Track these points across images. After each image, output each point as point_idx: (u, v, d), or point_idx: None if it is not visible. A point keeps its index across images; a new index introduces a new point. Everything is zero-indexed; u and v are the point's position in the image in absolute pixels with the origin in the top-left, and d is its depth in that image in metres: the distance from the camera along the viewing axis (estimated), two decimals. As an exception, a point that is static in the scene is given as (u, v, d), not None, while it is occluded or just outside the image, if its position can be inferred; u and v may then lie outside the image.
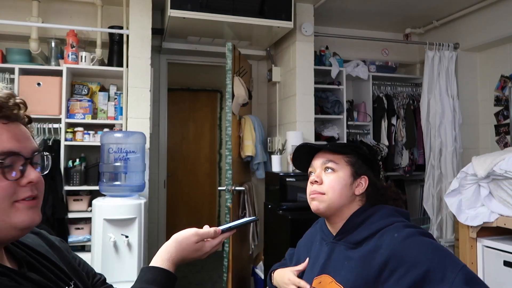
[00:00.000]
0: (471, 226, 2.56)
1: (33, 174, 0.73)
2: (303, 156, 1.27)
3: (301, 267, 1.26)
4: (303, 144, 1.26)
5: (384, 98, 3.97)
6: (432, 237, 1.09)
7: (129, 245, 2.53)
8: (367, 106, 4.00)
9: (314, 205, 1.19)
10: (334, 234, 1.19)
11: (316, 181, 1.18)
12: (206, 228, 0.96)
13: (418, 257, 0.99)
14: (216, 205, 5.81)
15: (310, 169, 1.24)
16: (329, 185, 1.16)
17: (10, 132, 0.73)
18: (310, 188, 1.21)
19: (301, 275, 1.27)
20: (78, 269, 0.92)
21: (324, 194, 1.16)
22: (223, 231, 0.98)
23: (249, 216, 3.30)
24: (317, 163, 1.21)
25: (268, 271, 1.44)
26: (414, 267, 0.98)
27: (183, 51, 3.77)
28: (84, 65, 3.09)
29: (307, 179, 1.25)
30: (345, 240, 1.15)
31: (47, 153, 0.79)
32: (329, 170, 1.18)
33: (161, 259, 0.89)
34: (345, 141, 3.71)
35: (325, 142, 3.70)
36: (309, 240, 1.32)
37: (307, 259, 1.26)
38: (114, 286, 1.04)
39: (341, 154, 1.20)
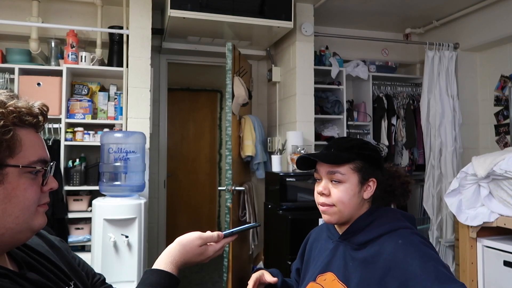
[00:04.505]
0: (471, 226, 2.56)
1: (54, 182, 0.79)
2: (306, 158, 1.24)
3: (270, 280, 1.25)
4: (302, 156, 1.20)
5: (384, 98, 3.97)
6: (434, 249, 1.10)
7: (129, 245, 2.53)
8: (367, 106, 4.00)
9: (325, 218, 1.17)
10: (340, 233, 1.20)
11: (323, 193, 1.15)
12: (209, 233, 0.97)
13: (419, 270, 1.00)
14: (216, 205, 5.81)
15: (316, 174, 1.20)
16: (337, 198, 1.13)
17: (41, 141, 0.78)
18: (318, 198, 1.18)
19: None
20: (78, 269, 0.92)
21: (333, 206, 1.14)
22: (225, 236, 0.99)
23: (250, 217, 3.31)
24: (323, 171, 1.17)
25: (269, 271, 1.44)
26: (413, 280, 1.00)
27: (183, 51, 3.77)
28: (84, 65, 3.09)
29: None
30: (350, 240, 1.16)
31: (54, 162, 0.83)
32: (336, 181, 1.14)
33: (165, 262, 0.89)
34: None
35: (326, 142, 3.70)
36: (316, 237, 1.33)
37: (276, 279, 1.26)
38: (113, 286, 1.04)
39: (347, 163, 1.15)
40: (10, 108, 0.72)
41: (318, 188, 1.17)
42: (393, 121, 3.97)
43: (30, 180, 0.74)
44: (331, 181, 1.15)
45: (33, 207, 0.75)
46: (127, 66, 3.07)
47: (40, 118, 0.77)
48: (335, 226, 1.23)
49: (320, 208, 1.18)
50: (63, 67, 3.02)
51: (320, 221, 2.52)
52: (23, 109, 0.73)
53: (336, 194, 1.14)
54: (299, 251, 1.38)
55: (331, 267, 1.15)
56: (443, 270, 1.01)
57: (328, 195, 1.15)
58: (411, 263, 1.02)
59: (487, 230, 2.55)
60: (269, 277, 1.25)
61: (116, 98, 3.17)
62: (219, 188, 4.15)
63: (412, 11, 3.74)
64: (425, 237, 1.13)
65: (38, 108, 0.77)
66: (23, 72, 3.01)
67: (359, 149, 1.16)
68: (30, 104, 0.76)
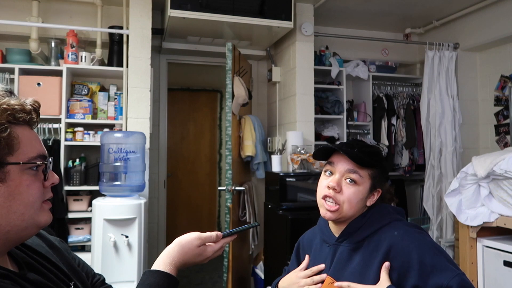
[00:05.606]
0: (471, 226, 2.56)
1: (55, 176, 0.80)
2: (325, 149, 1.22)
3: (303, 264, 1.24)
4: (329, 147, 1.18)
5: (384, 98, 3.97)
6: (428, 235, 1.13)
7: (129, 245, 2.53)
8: (367, 106, 4.00)
9: (325, 213, 1.16)
10: (337, 236, 1.19)
11: (335, 188, 1.13)
12: (208, 233, 0.97)
13: (416, 263, 1.03)
14: (216, 205, 5.81)
15: (329, 167, 1.18)
16: (347, 197, 1.13)
17: (37, 137, 0.78)
18: (325, 191, 1.15)
19: None
20: (77, 269, 0.92)
21: (339, 205, 1.13)
22: (224, 236, 0.99)
23: (250, 217, 3.31)
24: (340, 167, 1.15)
25: (268, 271, 1.44)
26: (413, 267, 1.03)
27: (183, 51, 3.77)
28: (84, 65, 3.09)
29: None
30: (347, 241, 1.16)
31: (52, 157, 0.83)
32: (351, 181, 1.13)
33: (164, 262, 0.89)
34: (345, 140, 3.70)
35: (326, 142, 3.70)
36: (308, 243, 1.32)
37: (307, 256, 1.26)
38: (113, 286, 1.04)
39: (368, 167, 1.15)
40: (4, 106, 0.72)
41: (330, 182, 1.15)
42: (393, 121, 3.97)
43: (32, 176, 0.75)
44: (345, 179, 1.14)
45: (38, 203, 0.75)
46: (127, 66, 3.07)
47: (33, 114, 0.78)
48: (330, 227, 1.23)
49: (324, 202, 1.15)
50: (63, 67, 3.02)
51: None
52: (16, 107, 0.74)
53: (347, 193, 1.13)
54: (292, 256, 1.37)
55: (330, 271, 1.15)
56: (438, 258, 1.04)
57: (339, 191, 1.14)
58: (408, 254, 1.04)
59: (487, 230, 2.55)
60: None
61: (116, 98, 3.17)
62: (219, 188, 4.15)
63: (412, 11, 3.74)
64: (417, 225, 1.16)
65: (30, 105, 0.78)
66: (23, 72, 3.01)
67: (379, 158, 1.18)
68: (22, 101, 0.76)
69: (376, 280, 1.05)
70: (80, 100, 3.09)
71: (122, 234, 2.52)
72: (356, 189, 1.13)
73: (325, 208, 1.15)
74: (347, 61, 3.97)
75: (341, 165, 1.15)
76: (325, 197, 1.15)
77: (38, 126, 2.91)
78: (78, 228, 2.97)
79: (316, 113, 3.58)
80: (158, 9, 3.41)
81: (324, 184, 1.16)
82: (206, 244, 0.95)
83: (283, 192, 2.85)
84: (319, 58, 3.81)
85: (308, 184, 2.90)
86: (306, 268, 1.23)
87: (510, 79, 3.57)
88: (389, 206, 1.21)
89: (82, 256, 1.02)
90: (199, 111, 5.78)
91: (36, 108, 0.79)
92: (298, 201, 2.87)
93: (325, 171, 1.19)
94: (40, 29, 3.12)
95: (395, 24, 4.07)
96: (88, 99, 3.13)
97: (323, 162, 1.22)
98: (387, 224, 1.13)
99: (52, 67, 3.07)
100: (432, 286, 1.00)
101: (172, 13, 2.92)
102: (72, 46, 3.05)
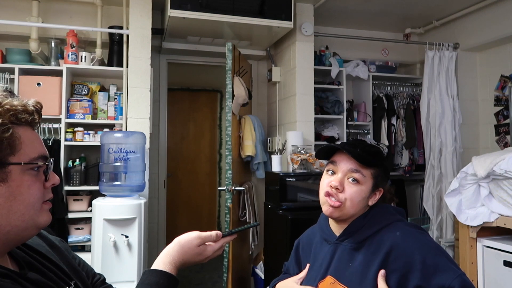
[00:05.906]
0: (471, 226, 2.56)
1: (55, 177, 0.80)
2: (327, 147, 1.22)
3: (303, 274, 1.24)
4: (332, 146, 1.18)
5: (384, 98, 3.97)
6: (429, 235, 1.14)
7: (129, 245, 2.53)
8: (367, 106, 4.00)
9: (327, 210, 1.16)
10: (337, 235, 1.19)
11: (338, 188, 1.14)
12: (208, 232, 0.97)
13: (418, 264, 1.03)
14: (216, 205, 5.81)
15: (331, 166, 1.18)
16: (349, 196, 1.13)
17: (38, 137, 0.79)
18: (328, 189, 1.16)
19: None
20: (78, 269, 0.92)
21: (341, 203, 1.13)
22: (224, 235, 0.99)
23: (250, 217, 3.31)
24: (343, 167, 1.15)
25: (268, 271, 1.44)
26: (415, 268, 1.03)
27: (183, 51, 3.77)
28: (84, 65, 3.09)
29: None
30: (348, 240, 1.16)
31: (53, 158, 0.83)
32: (354, 181, 1.14)
33: (163, 262, 0.89)
34: (345, 140, 3.70)
35: (326, 142, 3.69)
36: (308, 242, 1.32)
37: (308, 265, 1.25)
38: (113, 286, 1.04)
39: (371, 166, 1.15)
40: (7, 106, 0.73)
41: (332, 181, 1.15)
42: (393, 121, 3.97)
43: (33, 177, 0.75)
44: (348, 178, 1.15)
45: (38, 203, 0.75)
46: (127, 66, 3.07)
47: (36, 115, 0.78)
48: (331, 226, 1.23)
49: (327, 199, 1.15)
50: (63, 67, 3.02)
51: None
52: (19, 107, 0.74)
53: (349, 192, 1.13)
54: (291, 254, 1.37)
55: (330, 271, 1.15)
56: (440, 259, 1.04)
57: (342, 190, 1.14)
58: (410, 255, 1.05)
59: (487, 230, 2.55)
60: None
61: (116, 98, 3.17)
62: (219, 188, 4.15)
63: (412, 11, 3.74)
64: (418, 226, 1.16)
65: (33, 106, 0.78)
66: (23, 72, 3.01)
67: (381, 157, 1.19)
68: (25, 102, 0.77)
69: (376, 281, 1.05)
70: (80, 100, 3.09)
71: (122, 234, 2.52)
72: (358, 188, 1.14)
73: (328, 204, 1.15)
74: (347, 61, 3.97)
75: (344, 165, 1.16)
76: (328, 195, 1.16)
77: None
78: (78, 228, 2.97)
79: (316, 113, 3.59)
80: (158, 9, 3.41)
81: (326, 183, 1.17)
82: (206, 243, 0.95)
83: (283, 192, 2.85)
84: (319, 58, 3.81)
85: (308, 184, 2.90)
86: (305, 276, 1.24)
87: (510, 79, 3.57)
88: (390, 207, 1.21)
89: (82, 256, 1.02)
90: (199, 111, 5.78)
91: (38, 109, 0.79)
92: (298, 201, 2.87)
93: (328, 170, 1.20)
94: (40, 29, 3.12)
95: (395, 24, 4.07)
96: (88, 99, 3.13)
97: (324, 162, 1.23)
98: (388, 225, 1.13)
99: (52, 67, 3.07)
100: (435, 286, 1.00)
101: (172, 13, 2.92)
102: (72, 46, 3.05)
